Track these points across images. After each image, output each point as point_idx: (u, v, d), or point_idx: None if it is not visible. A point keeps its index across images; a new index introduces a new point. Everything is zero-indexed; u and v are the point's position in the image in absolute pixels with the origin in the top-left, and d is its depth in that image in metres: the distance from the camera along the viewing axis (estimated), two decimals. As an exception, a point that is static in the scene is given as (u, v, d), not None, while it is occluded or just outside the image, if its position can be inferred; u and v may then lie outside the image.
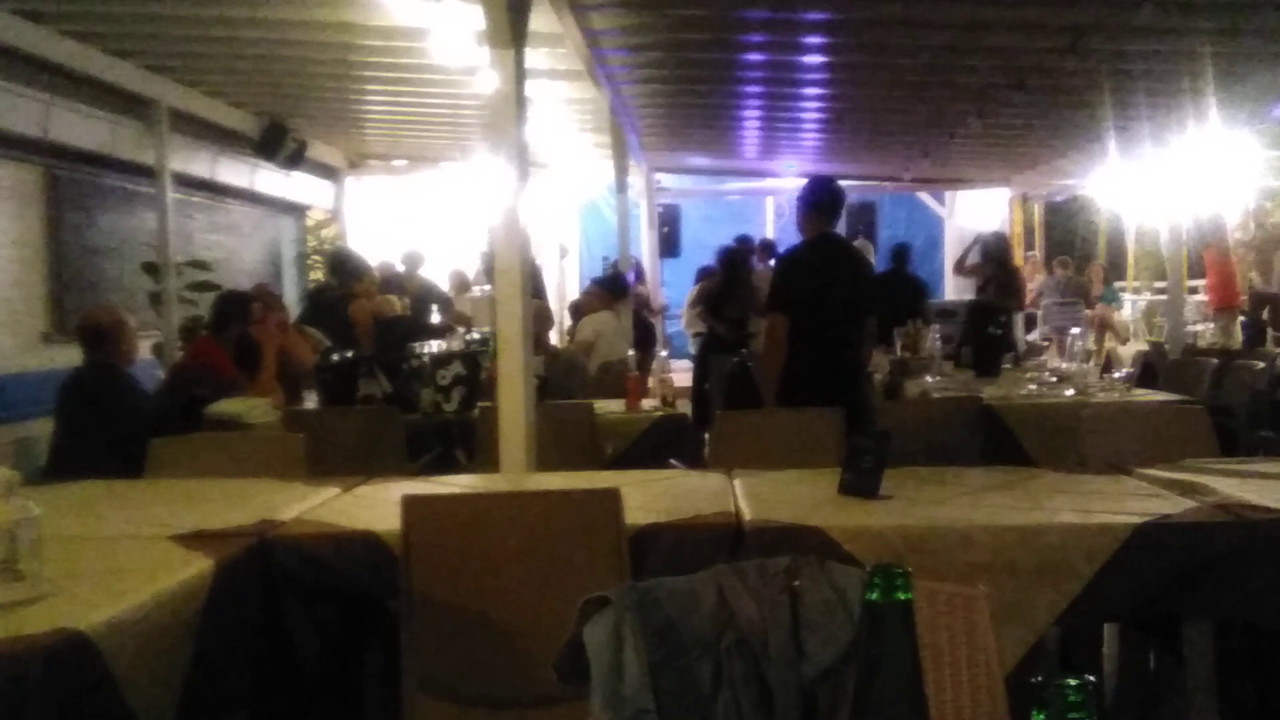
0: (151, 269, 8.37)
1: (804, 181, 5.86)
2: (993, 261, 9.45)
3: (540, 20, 5.59)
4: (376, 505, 3.30)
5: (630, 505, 2.93)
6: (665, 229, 14.38)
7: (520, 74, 4.63)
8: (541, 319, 6.76)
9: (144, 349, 7.85)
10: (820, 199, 5.58)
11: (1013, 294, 9.40)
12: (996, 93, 8.07)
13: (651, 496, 3.37)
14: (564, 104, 9.41)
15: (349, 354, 6.16)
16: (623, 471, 4.08)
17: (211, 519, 3.14)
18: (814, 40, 7.30)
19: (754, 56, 7.82)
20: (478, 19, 5.94)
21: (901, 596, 1.08)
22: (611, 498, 2.89)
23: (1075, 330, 6.78)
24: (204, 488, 3.69)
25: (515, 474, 4.21)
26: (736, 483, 3.53)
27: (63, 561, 2.57)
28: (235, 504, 3.38)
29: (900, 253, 10.08)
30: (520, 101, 4.65)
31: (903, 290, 9.45)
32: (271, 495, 3.53)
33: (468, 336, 8.56)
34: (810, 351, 5.38)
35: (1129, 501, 3.12)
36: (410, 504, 2.87)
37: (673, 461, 5.17)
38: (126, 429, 4.45)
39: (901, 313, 8.54)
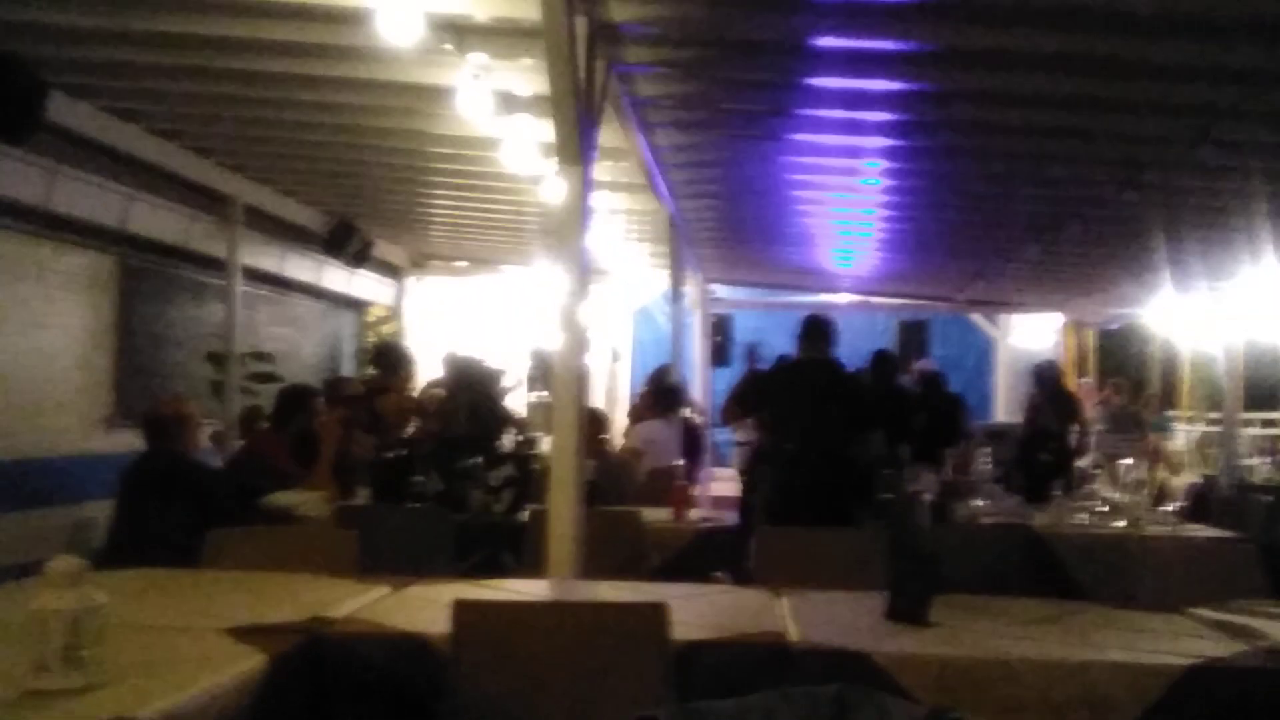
0: (215, 359, 8.56)
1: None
2: (1044, 389, 9.45)
3: (606, 136, 5.76)
4: (426, 607, 3.35)
5: (676, 619, 2.96)
6: (717, 338, 14.46)
7: (586, 189, 4.77)
8: (596, 422, 6.85)
9: (202, 438, 8.01)
10: (799, 330, 6.68)
11: (1068, 417, 9.39)
12: (1054, 221, 8.15)
13: (698, 611, 3.39)
14: (624, 214, 9.61)
15: (403, 451, 6.25)
16: (669, 584, 4.10)
17: (265, 613, 3.21)
18: (872, 165, 7.44)
19: (812, 178, 7.97)
20: (544, 131, 6.15)
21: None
22: (659, 611, 2.93)
23: (1128, 461, 6.75)
24: (259, 581, 3.76)
25: (563, 580, 4.25)
26: (783, 601, 3.55)
27: (122, 649, 2.63)
28: (288, 599, 3.45)
29: (935, 379, 10.31)
30: (585, 215, 4.79)
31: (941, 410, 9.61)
32: (324, 592, 3.60)
33: (518, 438, 8.64)
34: (793, 466, 6.20)
35: (1178, 642, 3.10)
36: (461, 608, 2.92)
37: (718, 574, 5.18)
38: (191, 518, 4.54)
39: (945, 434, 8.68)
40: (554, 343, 4.79)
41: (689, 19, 5.05)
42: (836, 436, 6.18)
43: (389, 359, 8.36)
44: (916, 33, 4.88)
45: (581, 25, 4.61)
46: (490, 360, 7.22)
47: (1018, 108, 5.87)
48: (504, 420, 6.84)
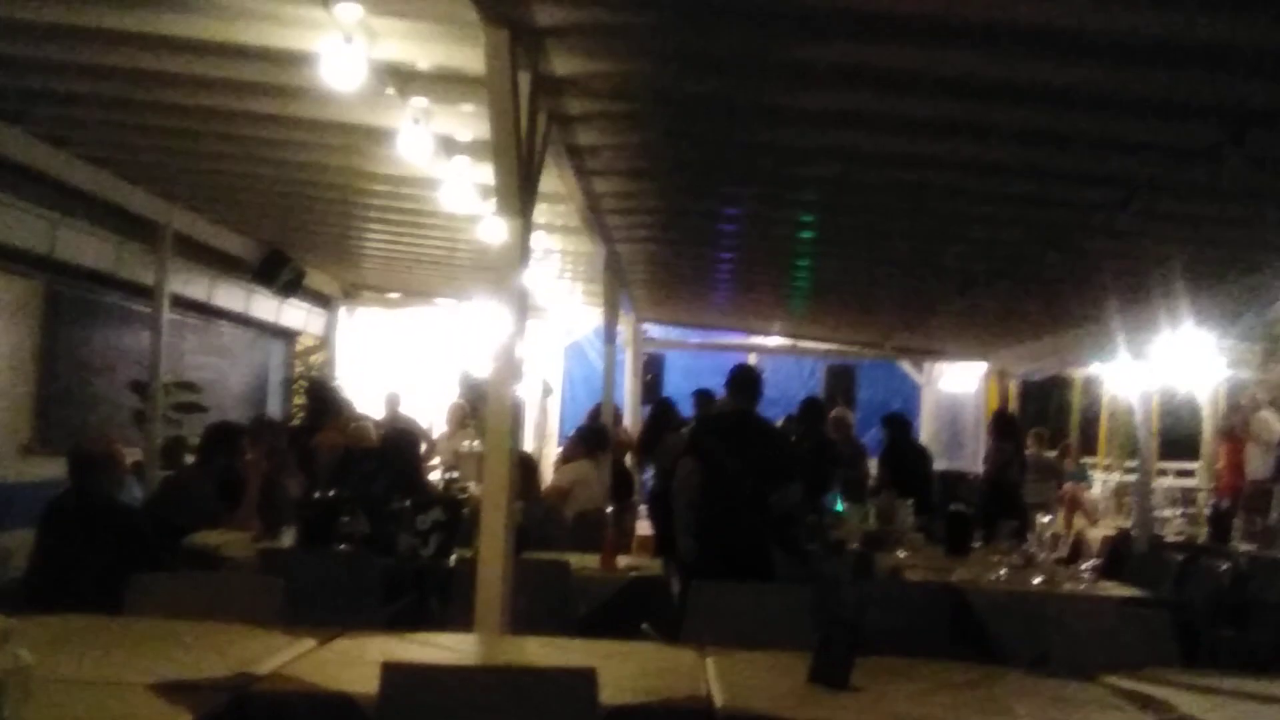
0: (139, 387, 8.42)
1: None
2: (1012, 441, 9.63)
3: (545, 181, 5.81)
4: (352, 664, 3.35)
5: (603, 680, 2.98)
6: (649, 376, 14.56)
7: (527, 234, 4.83)
8: (526, 467, 6.86)
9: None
10: (728, 380, 6.73)
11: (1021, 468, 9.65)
12: (978, 278, 8.35)
13: (625, 672, 3.40)
14: (560, 254, 9.68)
15: (331, 493, 6.21)
16: (596, 642, 4.10)
17: (191, 668, 3.18)
18: (802, 217, 7.58)
19: (742, 227, 8.11)
20: (482, 173, 6.18)
21: None
22: (587, 677, 2.95)
23: (1047, 518, 6.91)
24: (183, 630, 3.71)
25: (491, 637, 4.25)
26: (709, 662, 3.59)
27: (47, 708, 2.60)
28: (214, 651, 3.41)
29: (897, 422, 10.35)
30: (523, 262, 4.84)
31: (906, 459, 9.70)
32: (249, 643, 3.56)
33: (448, 476, 8.63)
34: (714, 514, 6.26)
35: (1092, 712, 3.20)
36: (389, 671, 2.92)
37: (645, 627, 5.20)
38: (114, 558, 4.49)
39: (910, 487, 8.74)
40: (486, 375, 4.83)
41: (629, 74, 5.14)
42: (758, 488, 6.26)
43: (324, 399, 8.34)
44: (850, 97, 5.01)
45: (524, 79, 4.66)
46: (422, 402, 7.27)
47: (946, 171, 6.04)
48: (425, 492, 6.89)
